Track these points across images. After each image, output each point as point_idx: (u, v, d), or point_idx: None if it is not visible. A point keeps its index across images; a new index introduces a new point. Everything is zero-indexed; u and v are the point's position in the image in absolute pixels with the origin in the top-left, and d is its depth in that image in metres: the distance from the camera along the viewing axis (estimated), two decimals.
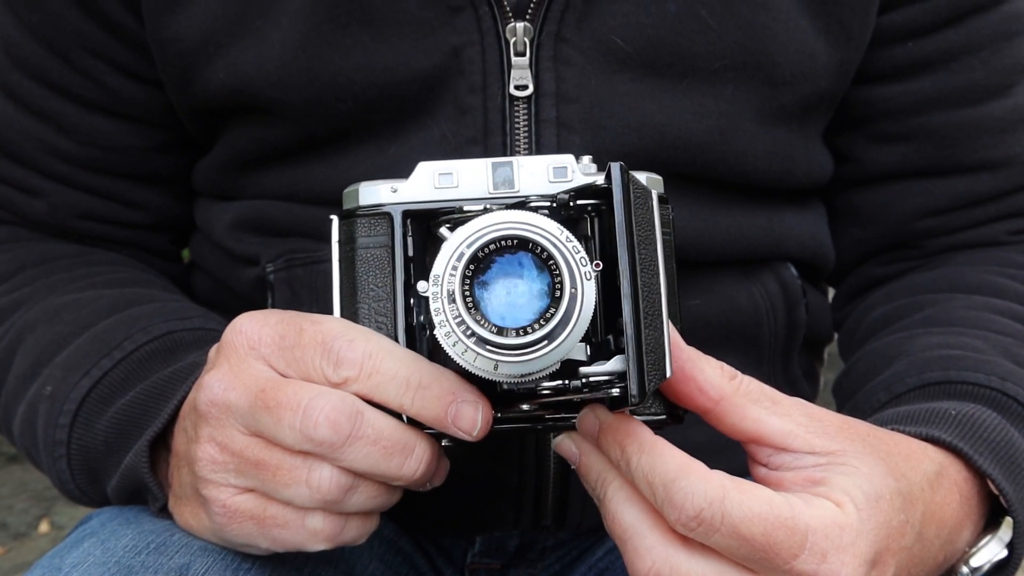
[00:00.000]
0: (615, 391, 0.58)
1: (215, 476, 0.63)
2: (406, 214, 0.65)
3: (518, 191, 0.64)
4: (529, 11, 0.78)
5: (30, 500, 2.37)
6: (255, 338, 0.63)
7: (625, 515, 0.61)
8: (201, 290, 0.94)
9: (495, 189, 0.65)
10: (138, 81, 0.86)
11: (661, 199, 0.66)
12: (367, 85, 0.79)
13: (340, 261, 0.67)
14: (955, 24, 0.86)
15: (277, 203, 0.85)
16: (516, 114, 0.79)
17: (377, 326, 0.65)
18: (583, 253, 0.57)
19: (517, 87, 0.78)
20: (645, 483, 0.59)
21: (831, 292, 1.02)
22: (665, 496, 0.58)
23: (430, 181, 0.65)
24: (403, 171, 0.80)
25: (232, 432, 0.62)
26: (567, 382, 0.59)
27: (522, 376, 0.58)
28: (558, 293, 0.56)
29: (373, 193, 0.66)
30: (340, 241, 0.67)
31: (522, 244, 0.57)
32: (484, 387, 0.61)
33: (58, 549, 0.73)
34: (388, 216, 0.65)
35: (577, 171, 0.65)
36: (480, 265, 0.57)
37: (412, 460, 0.60)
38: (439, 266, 0.57)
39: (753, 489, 0.59)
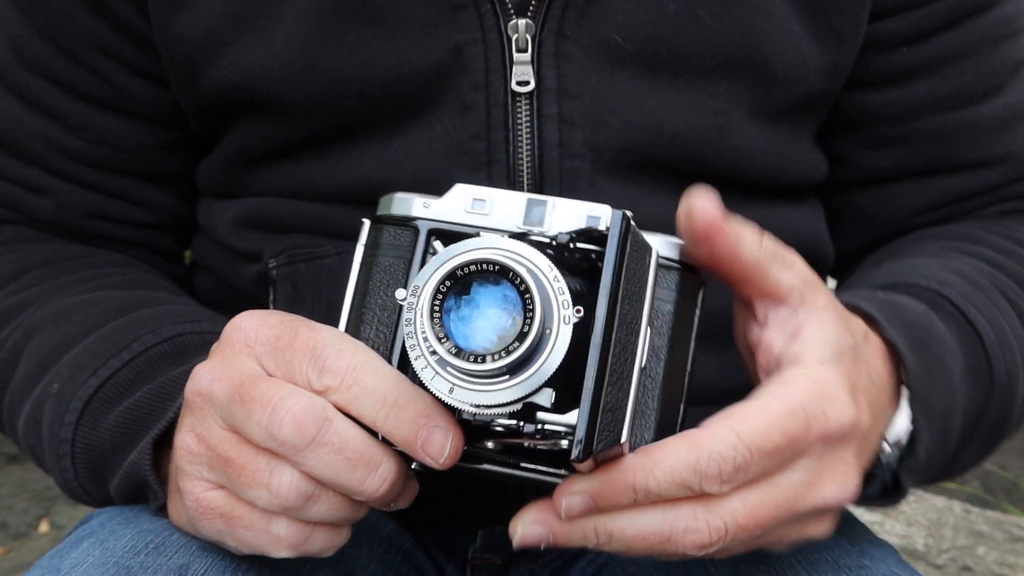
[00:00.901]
0: (564, 443, 0.57)
1: (190, 468, 0.63)
2: (432, 232, 0.64)
3: (546, 231, 0.63)
4: (531, 8, 0.78)
5: (30, 500, 2.37)
6: (252, 336, 0.63)
7: (648, 526, 0.61)
8: (203, 290, 0.94)
9: (524, 224, 0.63)
10: (146, 80, 0.86)
11: (693, 272, 0.65)
12: (370, 82, 0.79)
13: (360, 264, 0.66)
14: (948, 30, 0.87)
15: (280, 200, 0.85)
16: (518, 110, 0.79)
17: (376, 334, 0.64)
18: (567, 296, 0.55)
19: (519, 83, 0.79)
20: (675, 486, 0.59)
21: (831, 284, 1.02)
22: (700, 477, 0.59)
23: (463, 204, 0.65)
24: (405, 168, 0.81)
25: (211, 424, 0.62)
26: (521, 424, 0.57)
27: (476, 406, 0.56)
28: (526, 328, 0.54)
29: (405, 205, 0.65)
30: (365, 244, 0.66)
31: (503, 272, 0.55)
32: (460, 420, 0.60)
33: (57, 549, 0.73)
34: (414, 230, 0.64)
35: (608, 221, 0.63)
36: (459, 285, 0.55)
37: (376, 477, 0.60)
38: (420, 278, 0.56)
39: (745, 413, 0.61)
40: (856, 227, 0.95)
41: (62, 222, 0.89)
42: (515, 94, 0.79)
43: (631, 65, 0.80)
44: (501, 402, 0.55)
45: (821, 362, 0.63)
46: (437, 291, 0.55)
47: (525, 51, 0.79)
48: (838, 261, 0.96)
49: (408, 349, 0.56)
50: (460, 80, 0.79)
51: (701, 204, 0.63)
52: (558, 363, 0.54)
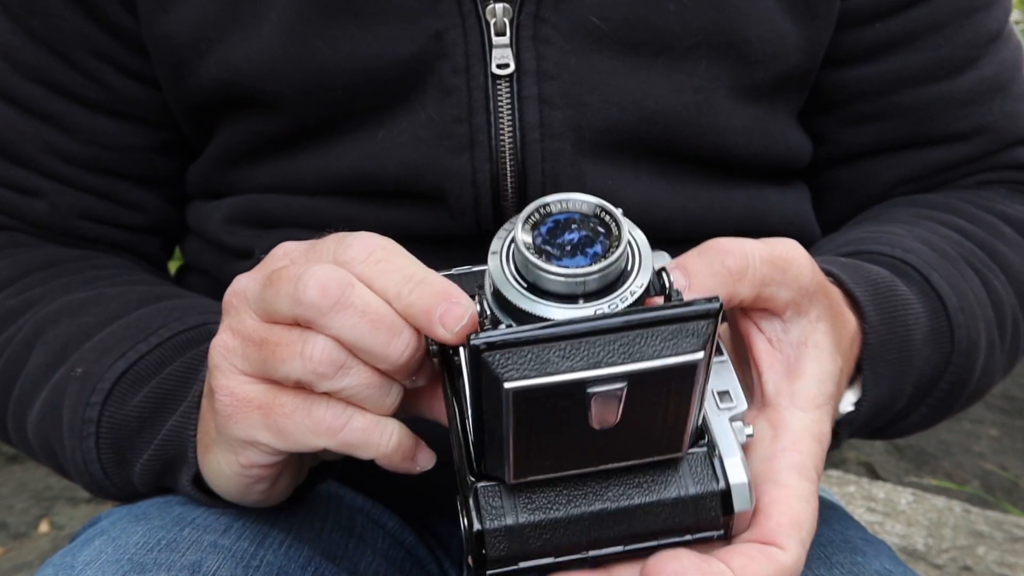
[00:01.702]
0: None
1: (226, 363, 0.63)
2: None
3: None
4: None
5: (30, 500, 2.37)
6: (291, 248, 0.64)
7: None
8: (195, 290, 0.94)
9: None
10: (138, 81, 0.87)
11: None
12: (354, 72, 0.80)
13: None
14: (920, 3, 0.88)
15: (269, 195, 0.86)
16: (499, 92, 0.80)
17: None
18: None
19: (499, 66, 0.80)
20: None
21: None
22: None
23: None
24: (391, 156, 0.81)
25: (245, 318, 0.63)
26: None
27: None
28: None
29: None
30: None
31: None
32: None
33: (69, 548, 0.73)
34: None
35: None
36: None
37: (399, 341, 0.60)
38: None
39: (787, 514, 0.61)
40: (837, 201, 0.96)
41: (55, 224, 0.90)
42: (495, 77, 0.80)
43: (610, 46, 0.81)
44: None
45: (818, 407, 0.64)
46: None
47: (504, 35, 0.80)
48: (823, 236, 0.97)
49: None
50: (442, 65, 0.80)
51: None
52: None
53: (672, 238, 0.83)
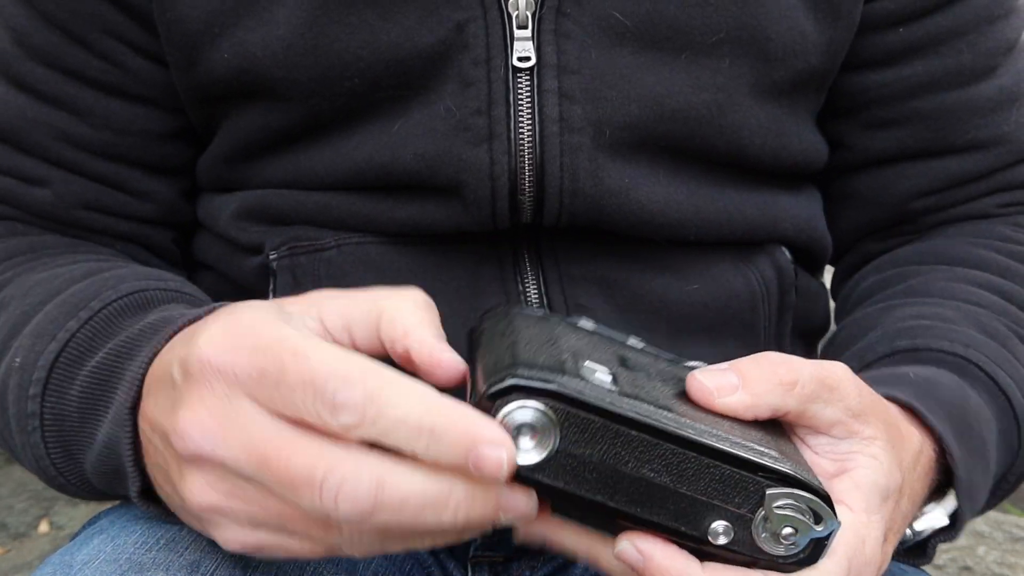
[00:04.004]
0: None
1: (222, 519, 0.58)
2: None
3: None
4: None
5: (30, 500, 2.37)
6: (230, 371, 0.55)
7: None
8: (202, 287, 0.94)
9: None
10: (154, 62, 0.86)
11: None
12: (373, 61, 0.79)
13: None
14: (943, 9, 0.89)
15: (281, 191, 0.85)
16: (519, 85, 0.80)
17: None
18: None
19: (520, 59, 0.79)
20: None
21: (828, 281, 1.04)
22: None
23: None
24: (407, 148, 0.81)
25: (237, 481, 0.57)
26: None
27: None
28: None
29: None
30: None
31: None
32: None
33: (68, 547, 0.72)
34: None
35: None
36: None
37: (447, 514, 0.54)
38: None
39: None
40: (854, 210, 0.96)
41: (58, 214, 0.89)
42: (516, 69, 0.79)
43: (632, 41, 0.81)
44: None
45: (867, 511, 0.63)
46: None
47: (526, 27, 0.79)
48: (835, 248, 0.98)
49: None
50: (461, 57, 0.79)
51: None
52: None
53: (686, 240, 0.83)
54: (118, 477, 0.68)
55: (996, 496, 0.82)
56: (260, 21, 0.80)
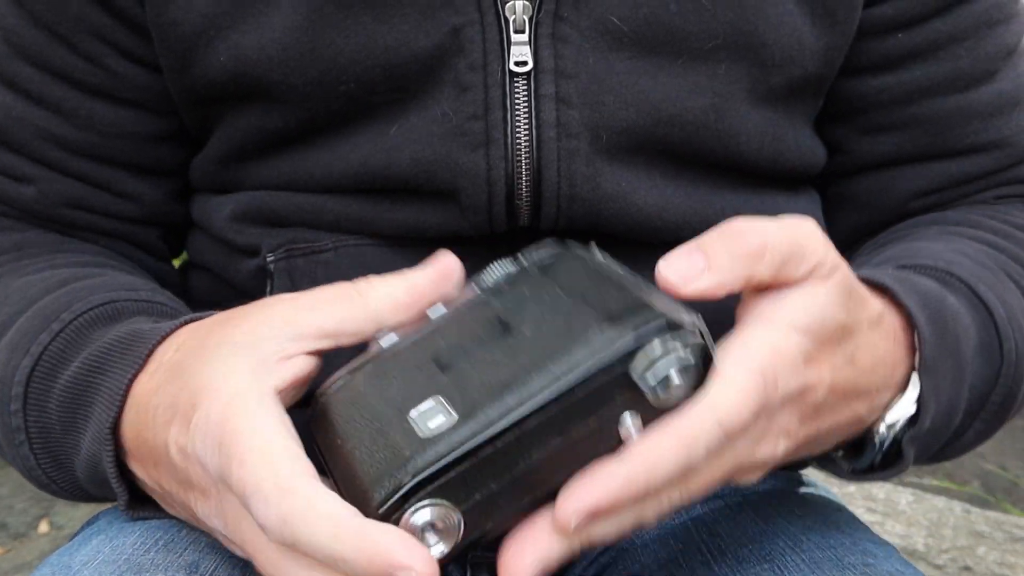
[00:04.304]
0: None
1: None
2: None
3: None
4: None
5: (30, 500, 2.37)
6: (211, 472, 0.60)
7: (626, 523, 0.60)
8: (198, 289, 0.94)
9: None
10: (141, 66, 0.86)
11: None
12: (369, 65, 0.79)
13: None
14: (943, 14, 0.88)
15: (277, 193, 0.85)
16: (516, 90, 0.79)
17: None
18: None
19: (517, 63, 0.79)
20: (668, 484, 0.59)
21: None
22: (689, 471, 0.59)
23: None
24: (403, 152, 0.81)
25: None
26: None
27: None
28: None
29: None
30: None
31: None
32: None
33: (66, 547, 0.73)
34: None
35: None
36: None
37: None
38: None
39: (720, 393, 0.58)
40: (852, 213, 0.96)
41: (42, 211, 0.89)
42: (513, 74, 0.79)
43: (629, 46, 0.80)
44: None
45: (790, 326, 0.62)
46: None
47: (523, 32, 0.79)
48: (835, 247, 0.97)
49: None
50: (458, 62, 0.79)
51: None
52: None
53: (684, 243, 0.83)
54: (108, 486, 0.70)
55: (984, 420, 0.79)
56: (256, 24, 0.80)
